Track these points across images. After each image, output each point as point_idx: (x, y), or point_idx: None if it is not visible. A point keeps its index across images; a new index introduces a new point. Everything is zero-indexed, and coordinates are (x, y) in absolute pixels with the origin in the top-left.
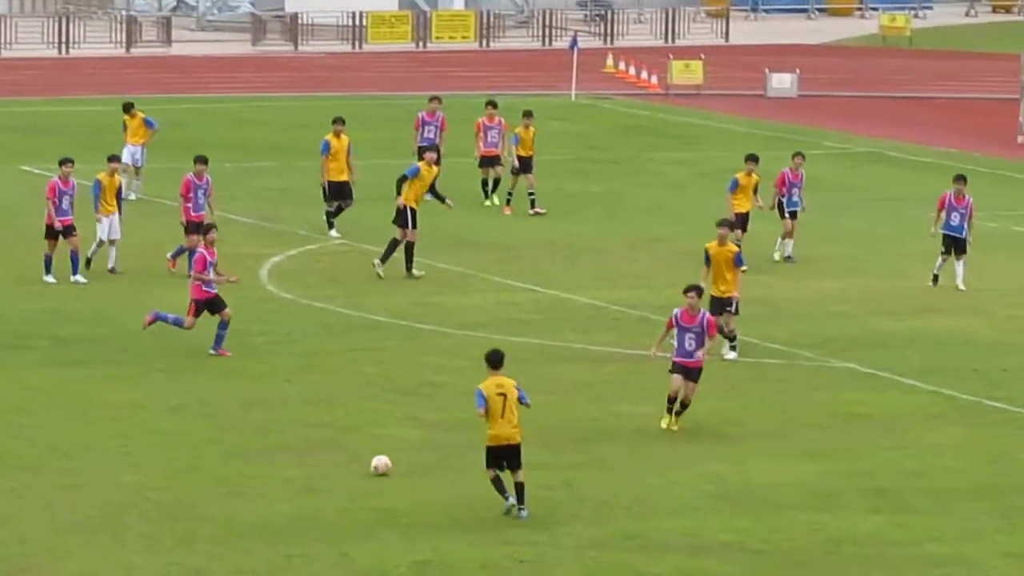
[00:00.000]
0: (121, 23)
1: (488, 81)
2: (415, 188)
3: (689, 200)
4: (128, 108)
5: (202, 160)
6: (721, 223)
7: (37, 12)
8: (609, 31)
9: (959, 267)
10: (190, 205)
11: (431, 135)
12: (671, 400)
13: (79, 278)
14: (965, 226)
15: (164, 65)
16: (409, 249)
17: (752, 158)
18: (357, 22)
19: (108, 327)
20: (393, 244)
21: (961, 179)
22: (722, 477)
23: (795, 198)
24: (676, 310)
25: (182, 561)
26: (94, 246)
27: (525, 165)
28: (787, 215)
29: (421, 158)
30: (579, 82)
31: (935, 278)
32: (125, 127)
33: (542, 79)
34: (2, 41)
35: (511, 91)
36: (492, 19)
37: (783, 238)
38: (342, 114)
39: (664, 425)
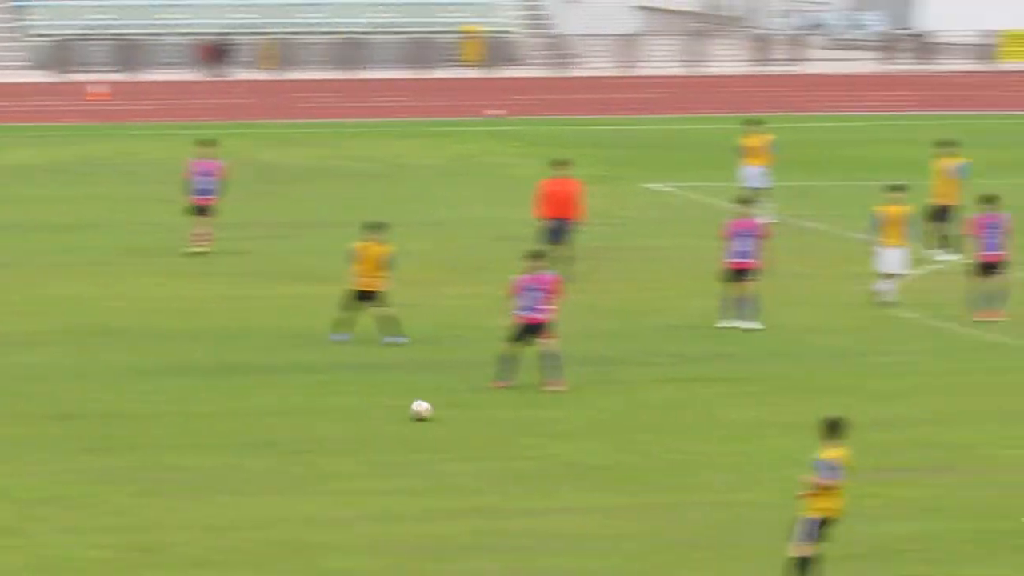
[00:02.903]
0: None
1: None
2: None
3: None
4: (753, 124)
5: (991, 199)
6: None
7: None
8: None
9: None
10: (983, 243)
11: None
12: None
13: None
14: None
15: (794, 83)
16: None
17: None
18: (988, 40)
19: (733, 344)
20: None
21: None
22: None
23: None
24: None
25: None
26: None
27: None
28: None
29: None
30: None
31: None
32: (742, 147)
33: None
34: (632, 58)
35: None
36: None
37: None
38: (968, 134)
39: None
